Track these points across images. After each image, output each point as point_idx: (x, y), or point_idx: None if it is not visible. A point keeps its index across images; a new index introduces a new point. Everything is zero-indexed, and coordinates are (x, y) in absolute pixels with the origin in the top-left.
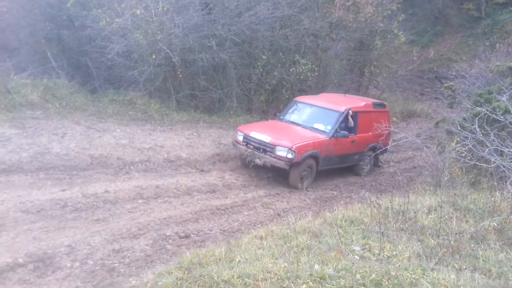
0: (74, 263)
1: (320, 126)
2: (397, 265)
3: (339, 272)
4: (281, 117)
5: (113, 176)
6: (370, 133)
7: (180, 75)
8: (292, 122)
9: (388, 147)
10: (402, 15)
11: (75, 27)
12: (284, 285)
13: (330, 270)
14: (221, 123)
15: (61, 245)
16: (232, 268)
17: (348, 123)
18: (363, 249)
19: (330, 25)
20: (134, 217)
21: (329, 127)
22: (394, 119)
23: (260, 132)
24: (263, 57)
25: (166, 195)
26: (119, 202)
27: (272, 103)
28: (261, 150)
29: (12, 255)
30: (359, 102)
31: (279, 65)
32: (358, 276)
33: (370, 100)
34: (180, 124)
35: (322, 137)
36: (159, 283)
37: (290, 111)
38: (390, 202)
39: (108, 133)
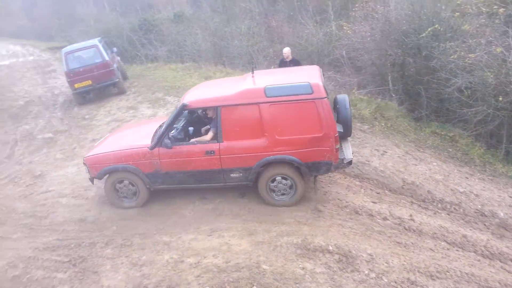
0: (371, 272)
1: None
2: None
3: None
4: None
5: (419, 206)
6: (264, 139)
7: None
8: None
9: (329, 160)
10: None
11: (421, 56)
12: None
13: None
14: None
15: (364, 251)
16: None
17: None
18: None
19: None
20: (434, 257)
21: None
22: None
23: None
24: None
25: (472, 249)
26: (422, 235)
27: None
28: None
29: (325, 240)
30: (234, 85)
31: None
32: None
33: (261, 83)
34: (505, 178)
35: (139, 146)
36: None
37: None
38: None
39: (424, 164)
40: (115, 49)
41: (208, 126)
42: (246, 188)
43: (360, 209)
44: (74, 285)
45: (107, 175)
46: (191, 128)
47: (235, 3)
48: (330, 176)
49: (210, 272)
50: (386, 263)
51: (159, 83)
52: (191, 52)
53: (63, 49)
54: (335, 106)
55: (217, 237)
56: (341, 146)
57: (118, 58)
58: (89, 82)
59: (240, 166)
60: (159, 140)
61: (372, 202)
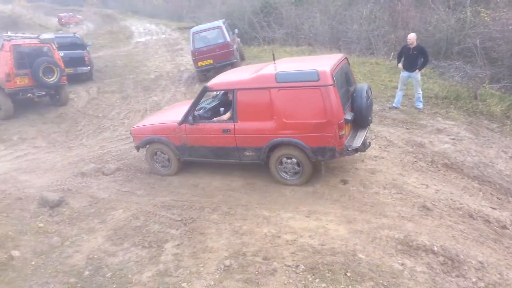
0: (479, 281)
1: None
2: None
3: None
4: None
5: None
6: (273, 122)
7: None
8: None
9: (333, 146)
10: None
11: None
12: None
13: None
14: None
15: (474, 258)
16: None
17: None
18: None
19: None
20: None
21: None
22: None
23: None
24: None
25: None
26: None
27: None
28: None
29: (430, 240)
30: (253, 71)
31: None
32: None
33: (274, 69)
34: None
35: (171, 122)
36: None
37: None
38: None
39: None
40: (236, 31)
41: None
42: (348, 175)
43: (476, 213)
44: (183, 241)
45: (147, 144)
46: (222, 109)
47: None
48: (444, 174)
49: (305, 251)
50: (499, 274)
51: None
52: (307, 36)
53: (192, 29)
54: (352, 94)
55: (314, 220)
56: (355, 134)
57: (238, 39)
58: (210, 61)
59: (252, 146)
60: (186, 117)
61: (491, 207)
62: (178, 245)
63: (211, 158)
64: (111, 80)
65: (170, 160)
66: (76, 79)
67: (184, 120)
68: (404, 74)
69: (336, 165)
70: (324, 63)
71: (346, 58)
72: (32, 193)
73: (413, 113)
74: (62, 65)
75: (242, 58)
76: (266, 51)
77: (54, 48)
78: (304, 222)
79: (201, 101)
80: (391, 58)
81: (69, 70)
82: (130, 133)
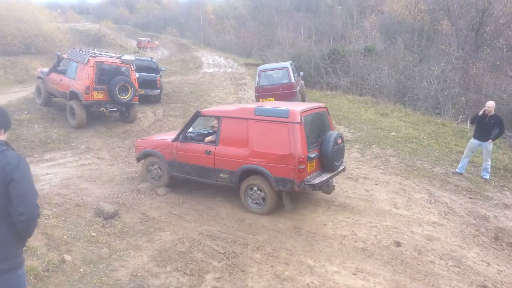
0: None
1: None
2: None
3: None
4: None
5: None
6: (246, 149)
7: None
8: None
9: (292, 178)
10: None
11: None
12: None
13: None
14: None
15: None
16: None
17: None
18: None
19: None
20: None
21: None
22: None
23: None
24: None
25: None
26: None
27: None
28: None
29: None
30: (235, 105)
31: None
32: None
33: (256, 105)
34: None
35: (167, 138)
36: None
37: None
38: None
39: None
40: (301, 73)
41: None
42: (402, 237)
43: None
44: (224, 275)
45: (145, 156)
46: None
47: (433, 43)
48: (510, 255)
49: None
50: None
51: (333, 112)
52: (372, 87)
53: (259, 67)
54: (322, 138)
55: (361, 279)
56: (320, 174)
57: (302, 82)
58: (272, 99)
59: (227, 168)
60: (177, 136)
61: None
62: (218, 278)
63: (194, 176)
64: (177, 105)
65: (162, 174)
66: (146, 100)
67: (176, 138)
68: (475, 142)
69: (391, 225)
70: (300, 106)
71: (325, 107)
72: (90, 202)
73: (479, 183)
74: (137, 86)
75: (303, 100)
76: (328, 96)
77: (133, 69)
78: (350, 279)
79: (201, 128)
80: (459, 120)
81: (141, 91)
82: (134, 144)
